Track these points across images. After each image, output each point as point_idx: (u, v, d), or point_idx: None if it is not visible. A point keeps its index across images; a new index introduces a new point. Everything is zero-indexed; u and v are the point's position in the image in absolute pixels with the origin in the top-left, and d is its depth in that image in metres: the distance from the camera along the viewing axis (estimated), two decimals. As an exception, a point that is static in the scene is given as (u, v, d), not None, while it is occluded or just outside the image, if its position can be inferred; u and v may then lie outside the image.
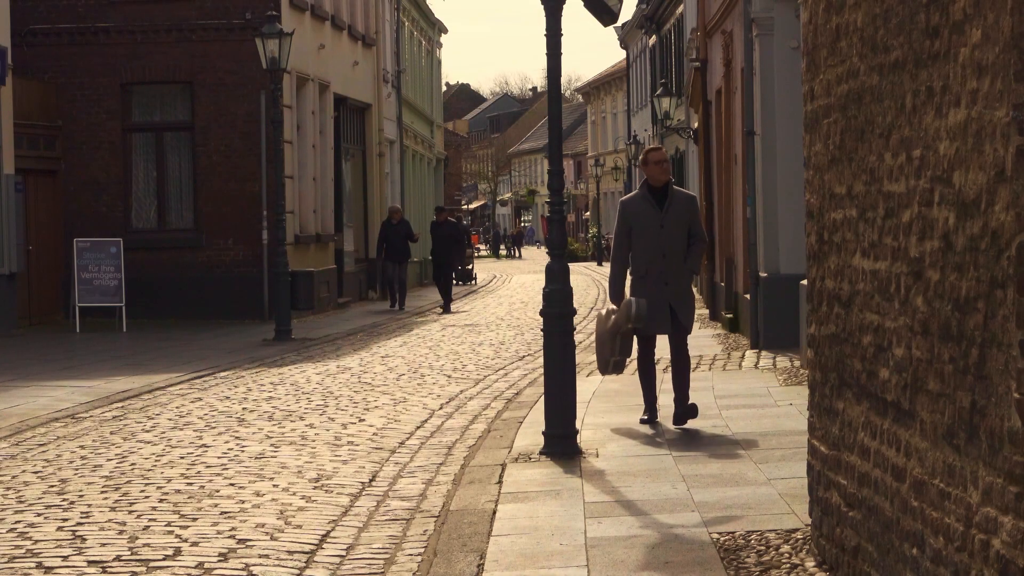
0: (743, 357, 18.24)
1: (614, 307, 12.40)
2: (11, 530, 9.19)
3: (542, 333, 11.77)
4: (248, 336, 25.24)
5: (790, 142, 18.10)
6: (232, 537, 8.83)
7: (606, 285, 13.82)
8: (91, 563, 8.22)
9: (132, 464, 11.71)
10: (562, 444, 11.35)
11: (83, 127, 29.50)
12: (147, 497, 10.22)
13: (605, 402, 14.34)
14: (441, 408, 15.07)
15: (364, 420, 14.17)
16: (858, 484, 6.49)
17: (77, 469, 11.53)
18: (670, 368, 12.70)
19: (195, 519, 9.40)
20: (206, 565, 8.12)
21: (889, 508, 5.97)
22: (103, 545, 8.68)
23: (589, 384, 15.79)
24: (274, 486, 10.56)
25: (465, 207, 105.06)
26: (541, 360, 12.66)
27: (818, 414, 7.32)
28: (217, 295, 28.98)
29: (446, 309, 32.79)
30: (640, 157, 13.40)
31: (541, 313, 11.80)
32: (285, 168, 26.97)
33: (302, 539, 8.78)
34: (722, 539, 8.03)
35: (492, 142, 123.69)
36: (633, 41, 60.00)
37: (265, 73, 26.05)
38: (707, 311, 27.15)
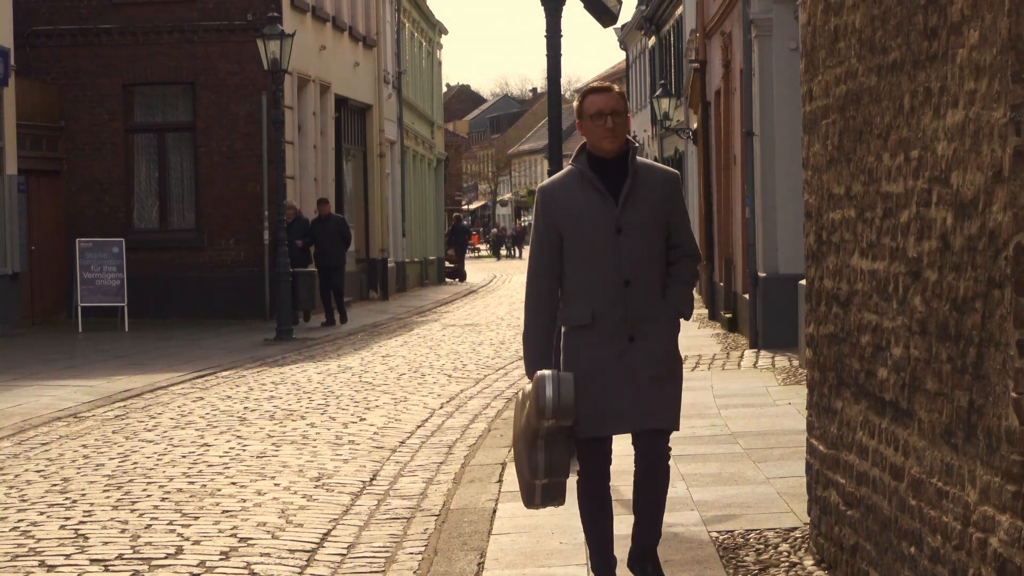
0: (742, 357, 18.25)
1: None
2: (14, 528, 9.22)
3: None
4: (249, 336, 25.26)
5: (789, 143, 18.12)
6: (234, 536, 8.86)
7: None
8: (93, 561, 8.26)
9: (134, 463, 11.74)
10: (562, 444, 11.26)
11: (85, 128, 29.54)
12: (149, 496, 10.25)
13: (605, 402, 14.35)
14: (442, 407, 15.09)
15: (365, 419, 14.19)
16: (856, 483, 6.51)
17: (79, 468, 11.55)
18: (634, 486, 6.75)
19: (197, 518, 9.43)
20: (208, 563, 8.15)
21: (887, 507, 6.00)
22: (105, 544, 8.71)
23: (589, 384, 15.79)
24: (275, 485, 10.59)
25: (465, 207, 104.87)
26: (541, 360, 12.66)
27: (817, 413, 7.34)
28: (219, 295, 29.00)
29: (336, 320, 27.69)
30: (575, 102, 6.77)
31: (542, 313, 11.76)
32: (286, 169, 26.98)
33: (303, 538, 8.81)
34: (721, 538, 8.06)
35: (492, 143, 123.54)
36: (632, 42, 59.94)
37: (266, 74, 26.08)
38: (706, 311, 27.17)
